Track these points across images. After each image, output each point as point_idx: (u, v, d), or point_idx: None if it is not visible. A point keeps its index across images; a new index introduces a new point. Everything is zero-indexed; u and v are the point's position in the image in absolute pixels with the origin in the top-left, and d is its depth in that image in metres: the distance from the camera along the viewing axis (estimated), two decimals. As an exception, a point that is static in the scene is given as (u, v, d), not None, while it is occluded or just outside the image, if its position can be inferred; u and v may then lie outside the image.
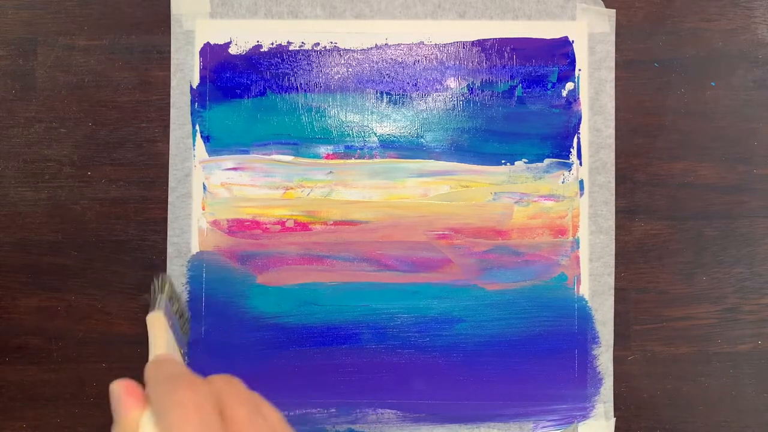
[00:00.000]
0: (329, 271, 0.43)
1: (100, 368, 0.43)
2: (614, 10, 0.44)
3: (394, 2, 0.44)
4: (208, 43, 0.44)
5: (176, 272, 0.43)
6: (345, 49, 0.44)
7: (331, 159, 0.44)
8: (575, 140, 0.44)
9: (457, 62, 0.44)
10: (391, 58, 0.44)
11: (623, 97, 0.44)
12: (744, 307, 0.44)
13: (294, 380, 0.43)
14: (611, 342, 0.44)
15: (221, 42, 0.44)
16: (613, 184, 0.44)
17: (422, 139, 0.44)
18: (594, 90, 0.44)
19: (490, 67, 0.44)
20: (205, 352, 0.43)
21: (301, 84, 0.44)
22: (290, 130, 0.44)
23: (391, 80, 0.44)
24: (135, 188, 0.44)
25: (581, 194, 0.44)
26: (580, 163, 0.44)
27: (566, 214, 0.44)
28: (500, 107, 0.44)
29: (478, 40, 0.44)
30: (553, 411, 0.43)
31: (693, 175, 0.44)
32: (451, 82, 0.44)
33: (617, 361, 0.44)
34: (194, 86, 0.44)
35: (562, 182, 0.44)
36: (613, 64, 0.44)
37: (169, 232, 0.43)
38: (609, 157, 0.44)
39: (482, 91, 0.44)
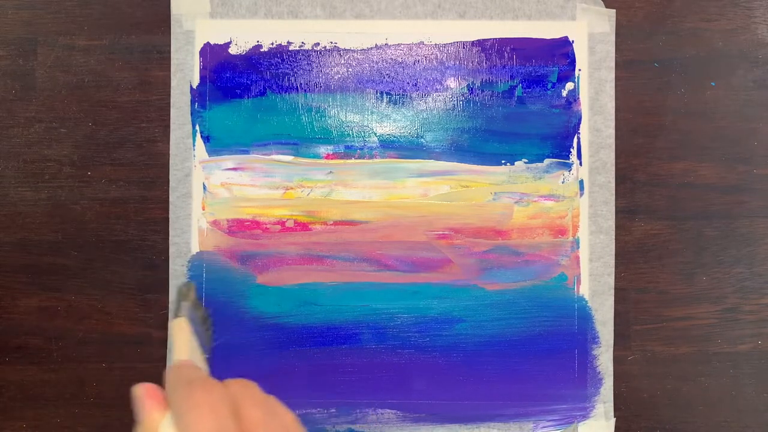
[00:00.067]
0: (329, 271, 0.43)
1: (100, 368, 0.43)
2: (614, 10, 0.44)
3: (394, 2, 0.44)
4: (208, 43, 0.44)
5: (176, 272, 0.43)
6: (345, 49, 0.44)
7: (331, 159, 0.44)
8: (575, 140, 0.44)
9: (457, 62, 0.44)
10: (391, 58, 0.44)
11: (623, 97, 0.44)
12: (744, 307, 0.44)
13: (294, 380, 0.43)
14: (611, 342, 0.44)
15: (221, 42, 0.44)
16: (613, 184, 0.44)
17: (422, 139, 0.44)
18: (594, 90, 0.44)
19: (490, 67, 0.44)
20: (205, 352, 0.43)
21: (301, 84, 0.44)
22: (290, 130, 0.44)
23: (391, 80, 0.44)
24: (135, 188, 0.44)
25: (581, 194, 0.44)
26: (580, 163, 0.44)
27: (566, 214, 0.44)
28: (500, 107, 0.44)
29: (478, 40, 0.44)
30: (553, 411, 0.43)
31: (693, 175, 0.44)
32: (451, 82, 0.44)
33: (617, 361, 0.44)
34: (194, 86, 0.44)
35: (562, 182, 0.44)
36: (613, 64, 0.44)
37: (171, 232, 0.43)
38: (609, 157, 0.44)
39: (482, 91, 0.44)
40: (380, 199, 0.44)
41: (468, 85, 0.44)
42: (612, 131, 0.44)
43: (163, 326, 0.43)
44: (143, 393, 0.27)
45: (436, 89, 0.44)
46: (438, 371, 0.43)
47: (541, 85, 0.44)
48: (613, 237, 0.44)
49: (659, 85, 0.44)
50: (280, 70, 0.44)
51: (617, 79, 0.44)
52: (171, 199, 0.43)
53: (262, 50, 0.44)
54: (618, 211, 0.44)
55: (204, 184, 0.43)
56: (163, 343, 0.43)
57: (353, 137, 0.44)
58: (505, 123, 0.44)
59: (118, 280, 0.44)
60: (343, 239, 0.43)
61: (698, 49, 0.44)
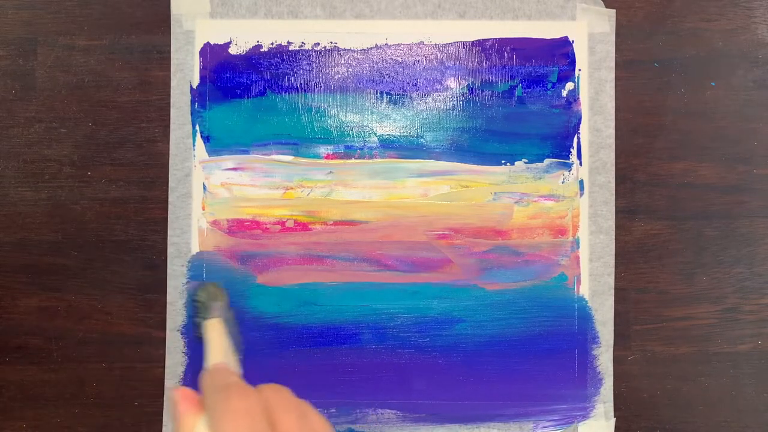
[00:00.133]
0: (329, 271, 0.43)
1: (100, 368, 0.43)
2: (614, 10, 0.44)
3: (394, 2, 0.44)
4: (208, 43, 0.44)
5: (176, 272, 0.43)
6: (345, 49, 0.44)
7: (331, 159, 0.44)
8: (575, 140, 0.44)
9: (457, 62, 0.44)
10: (391, 58, 0.44)
11: (623, 97, 0.44)
12: (744, 307, 0.44)
13: (294, 380, 0.43)
14: (611, 342, 0.44)
15: (221, 42, 0.44)
16: (613, 184, 0.44)
17: (422, 139, 0.44)
18: (594, 90, 0.44)
19: (490, 67, 0.44)
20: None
21: (301, 84, 0.44)
22: (290, 130, 0.44)
23: (391, 80, 0.44)
24: (135, 188, 0.44)
25: (581, 194, 0.44)
26: (580, 163, 0.44)
27: (566, 214, 0.44)
28: (500, 107, 0.44)
29: (478, 40, 0.44)
30: (553, 411, 0.43)
31: (693, 175, 0.44)
32: (451, 82, 0.44)
33: (617, 361, 0.44)
34: (194, 86, 0.44)
35: (562, 182, 0.44)
36: (613, 64, 0.44)
37: (169, 232, 0.43)
38: (609, 157, 0.44)
39: (482, 91, 0.44)
40: (380, 199, 0.44)
41: (468, 85, 0.44)
42: (612, 131, 0.44)
43: (163, 326, 0.43)
44: (179, 396, 0.28)
45: (436, 89, 0.44)
46: (438, 371, 0.43)
47: (541, 85, 0.44)
48: (613, 237, 0.44)
49: (659, 85, 0.44)
50: (280, 70, 0.44)
51: (617, 79, 0.44)
52: (171, 199, 0.43)
53: (262, 50, 0.44)
54: (618, 211, 0.44)
55: (204, 184, 0.43)
56: (162, 342, 0.43)
57: (353, 137, 0.44)
58: (505, 123, 0.44)
59: (118, 280, 0.44)
60: (343, 239, 0.43)
61: (698, 49, 0.44)
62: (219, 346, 0.35)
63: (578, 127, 0.44)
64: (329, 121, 0.44)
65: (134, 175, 0.44)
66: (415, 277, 0.43)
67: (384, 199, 0.44)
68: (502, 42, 0.44)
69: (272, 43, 0.44)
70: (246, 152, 0.44)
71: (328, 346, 0.43)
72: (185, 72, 0.44)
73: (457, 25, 0.44)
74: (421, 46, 0.44)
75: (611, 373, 0.44)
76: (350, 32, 0.44)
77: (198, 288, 0.42)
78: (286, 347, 0.43)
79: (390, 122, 0.44)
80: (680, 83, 0.44)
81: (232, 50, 0.44)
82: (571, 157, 0.44)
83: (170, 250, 0.43)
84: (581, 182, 0.44)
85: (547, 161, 0.44)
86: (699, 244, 0.44)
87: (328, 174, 0.44)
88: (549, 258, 0.44)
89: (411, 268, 0.43)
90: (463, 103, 0.44)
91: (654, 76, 0.44)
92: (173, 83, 0.44)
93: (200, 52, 0.44)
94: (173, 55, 0.44)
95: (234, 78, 0.44)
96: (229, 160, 0.44)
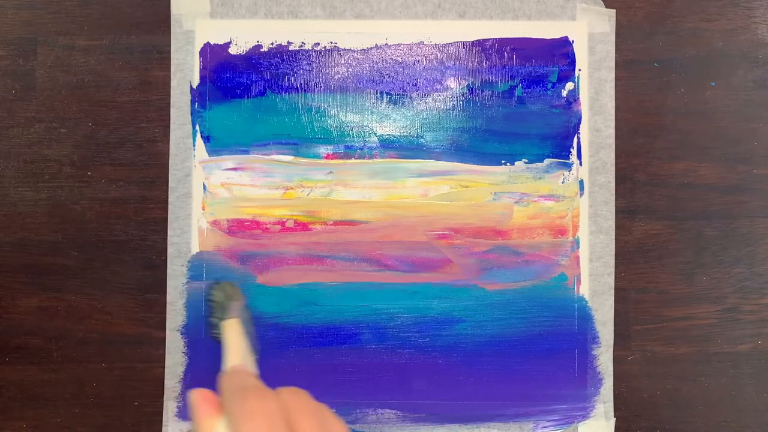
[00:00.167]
0: (329, 271, 0.43)
1: (100, 368, 0.43)
2: (614, 10, 0.44)
3: (394, 2, 0.44)
4: (208, 43, 0.44)
5: (176, 272, 0.43)
6: (345, 49, 0.44)
7: (331, 159, 0.44)
8: (575, 140, 0.44)
9: (457, 62, 0.44)
10: (391, 58, 0.44)
11: (623, 97, 0.44)
12: (744, 307, 0.44)
13: (294, 380, 0.43)
14: (611, 342, 0.44)
15: (221, 42, 0.44)
16: (613, 184, 0.44)
17: (422, 139, 0.44)
18: (594, 90, 0.44)
19: (490, 67, 0.44)
20: (206, 353, 0.43)
21: (301, 84, 0.44)
22: (290, 130, 0.44)
23: (391, 80, 0.44)
24: (135, 188, 0.44)
25: (581, 194, 0.44)
26: (580, 163, 0.44)
27: (566, 214, 0.44)
28: (500, 107, 0.44)
29: (478, 40, 0.44)
30: (553, 411, 0.43)
31: (693, 175, 0.44)
32: (451, 82, 0.44)
33: (617, 361, 0.44)
34: (194, 86, 0.44)
35: (562, 182, 0.44)
36: (613, 64, 0.44)
37: (169, 232, 0.43)
38: (609, 157, 0.44)
39: (482, 91, 0.44)
40: (380, 199, 0.44)
41: (468, 85, 0.44)
42: (612, 131, 0.44)
43: (163, 326, 0.43)
44: (198, 397, 0.28)
45: (436, 89, 0.44)
46: (438, 371, 0.43)
47: (541, 85, 0.44)
48: (613, 237, 0.44)
49: (659, 85, 0.44)
50: (280, 70, 0.44)
51: (617, 79, 0.44)
52: (171, 199, 0.43)
53: (262, 50, 0.44)
54: (618, 211, 0.44)
55: (204, 184, 0.43)
56: (162, 342, 0.43)
57: (353, 137, 0.44)
58: (505, 123, 0.44)
59: (118, 280, 0.44)
60: (343, 239, 0.43)
61: (698, 49, 0.44)
62: (237, 347, 0.35)
63: (578, 127, 0.44)
64: (329, 121, 0.44)
65: (134, 175, 0.44)
66: (415, 277, 0.43)
67: (384, 199, 0.44)
68: (502, 42, 0.44)
69: (272, 43, 0.44)
70: (246, 152, 0.44)
71: (328, 346, 0.43)
72: (185, 72, 0.44)
73: (457, 25, 0.44)
74: (421, 46, 0.44)
75: (611, 373, 0.44)
76: (350, 32, 0.44)
77: (214, 287, 0.42)
78: (286, 347, 0.43)
79: (390, 122, 0.44)
80: (680, 83, 0.44)
81: (232, 50, 0.44)
82: (571, 157, 0.44)
83: (170, 250, 0.43)
84: (581, 182, 0.44)
85: (547, 161, 0.44)
86: (699, 244, 0.44)
87: (328, 174, 0.44)
88: (549, 258, 0.44)
89: (411, 268, 0.43)
90: (463, 103, 0.44)
91: (654, 76, 0.44)
92: (173, 83, 0.44)
93: (200, 52, 0.44)
94: (173, 55, 0.44)
95: (234, 78, 0.44)
96: (229, 160, 0.44)
